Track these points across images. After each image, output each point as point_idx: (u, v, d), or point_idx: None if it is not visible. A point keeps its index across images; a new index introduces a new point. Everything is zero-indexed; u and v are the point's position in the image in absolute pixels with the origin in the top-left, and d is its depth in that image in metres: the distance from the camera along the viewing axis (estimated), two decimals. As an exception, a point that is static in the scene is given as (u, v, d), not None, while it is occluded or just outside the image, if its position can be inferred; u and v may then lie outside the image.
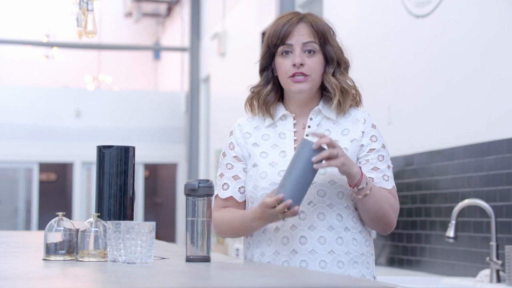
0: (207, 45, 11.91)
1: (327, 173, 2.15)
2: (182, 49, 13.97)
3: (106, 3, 16.60)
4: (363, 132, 2.23)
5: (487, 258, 3.49)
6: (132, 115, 14.03)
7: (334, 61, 2.23)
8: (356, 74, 6.00)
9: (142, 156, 13.39)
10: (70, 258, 1.98)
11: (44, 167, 15.86)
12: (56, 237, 1.98)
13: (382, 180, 2.20)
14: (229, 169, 2.27)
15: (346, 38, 6.31)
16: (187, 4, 13.64)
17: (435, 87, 4.39)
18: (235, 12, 10.17)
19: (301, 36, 2.20)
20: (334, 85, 2.21)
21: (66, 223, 2.01)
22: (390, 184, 2.22)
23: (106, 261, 1.93)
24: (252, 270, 1.71)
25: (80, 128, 13.76)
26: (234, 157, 2.27)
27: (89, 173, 13.88)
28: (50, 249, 1.98)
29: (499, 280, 3.43)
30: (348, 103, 2.23)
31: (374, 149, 2.22)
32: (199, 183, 1.94)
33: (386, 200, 2.18)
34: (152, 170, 17.59)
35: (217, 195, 2.28)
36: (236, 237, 2.29)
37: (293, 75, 2.19)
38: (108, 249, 1.88)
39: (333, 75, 2.22)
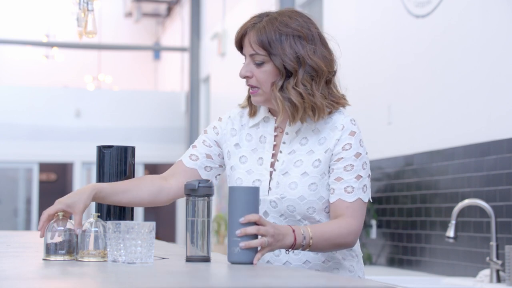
0: (207, 45, 11.91)
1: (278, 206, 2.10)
2: (182, 49, 13.98)
3: (106, 3, 16.60)
4: (338, 139, 2.11)
5: (487, 258, 3.49)
6: (132, 115, 14.03)
7: (282, 72, 2.08)
8: (356, 74, 6.04)
9: (142, 156, 13.39)
10: (70, 258, 1.96)
11: (44, 167, 15.87)
12: (56, 237, 1.97)
13: (344, 192, 2.08)
14: (207, 146, 2.25)
15: (346, 38, 6.36)
16: (187, 4, 13.64)
17: (435, 87, 4.39)
18: (235, 12, 10.17)
19: (247, 47, 2.12)
20: (278, 99, 2.08)
21: (66, 223, 1.99)
22: (353, 196, 2.08)
23: (106, 261, 1.93)
24: (252, 270, 1.71)
25: (80, 128, 13.76)
26: (215, 140, 2.25)
27: (89, 173, 13.88)
28: (50, 249, 1.97)
29: (499, 280, 3.43)
30: (300, 115, 2.08)
31: (342, 158, 2.09)
32: (199, 183, 1.94)
33: (337, 235, 2.03)
34: (152, 170, 17.59)
35: (180, 160, 2.25)
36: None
37: (250, 87, 2.16)
38: (108, 249, 1.88)
39: (287, 85, 2.08)
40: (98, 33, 3.35)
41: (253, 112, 2.22)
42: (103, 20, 14.95)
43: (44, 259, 1.96)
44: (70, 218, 2.02)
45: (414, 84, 4.65)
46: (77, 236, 1.97)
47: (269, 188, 2.13)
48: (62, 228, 1.98)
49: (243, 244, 1.84)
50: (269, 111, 2.21)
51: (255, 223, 1.88)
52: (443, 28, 4.35)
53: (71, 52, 16.49)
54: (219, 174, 2.27)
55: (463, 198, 3.85)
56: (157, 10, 17.38)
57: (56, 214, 2.00)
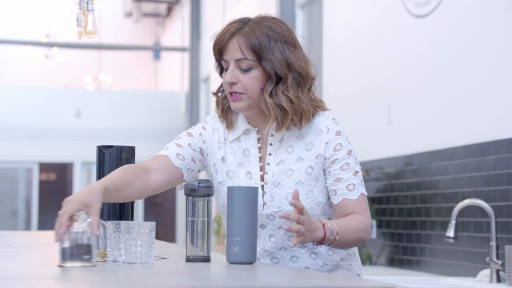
0: (207, 45, 11.91)
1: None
2: (182, 49, 13.98)
3: (106, 3, 16.61)
4: (326, 143, 2.10)
5: (487, 258, 3.49)
6: (132, 115, 14.04)
7: (272, 77, 2.06)
8: (356, 74, 6.02)
9: (142, 156, 13.38)
10: (90, 265, 1.76)
11: (44, 167, 15.87)
12: (71, 240, 1.76)
13: (347, 190, 2.09)
14: (192, 149, 2.16)
15: (346, 38, 6.34)
16: (187, 4, 13.64)
17: (435, 87, 4.39)
18: (235, 12, 10.17)
19: (234, 51, 2.06)
20: (268, 105, 2.05)
21: (83, 225, 1.79)
22: (356, 193, 2.09)
23: (106, 261, 1.92)
24: (252, 270, 1.71)
25: (80, 128, 13.77)
26: (200, 147, 2.17)
27: (89, 173, 13.88)
28: (66, 254, 1.75)
29: (499, 280, 3.43)
30: (288, 121, 2.07)
31: (336, 159, 2.09)
32: (199, 183, 1.94)
33: (356, 229, 2.06)
34: (152, 170, 17.55)
35: (167, 156, 2.14)
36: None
37: (231, 93, 2.08)
38: (108, 249, 1.88)
39: (276, 90, 2.06)
40: (98, 33, 3.35)
41: (230, 123, 2.17)
42: (103, 20, 14.95)
43: (60, 266, 1.75)
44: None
45: (414, 84, 4.65)
46: (95, 238, 1.80)
47: (264, 202, 2.11)
48: (81, 230, 1.77)
49: (286, 226, 1.87)
50: (249, 122, 2.16)
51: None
52: (443, 28, 4.35)
53: (71, 52, 16.50)
54: (193, 177, 2.22)
55: (463, 198, 3.85)
56: (157, 10, 17.39)
57: (74, 215, 1.80)
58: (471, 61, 4.04)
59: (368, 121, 5.22)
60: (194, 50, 12.60)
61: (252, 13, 2.19)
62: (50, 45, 14.80)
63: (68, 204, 1.80)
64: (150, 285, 1.40)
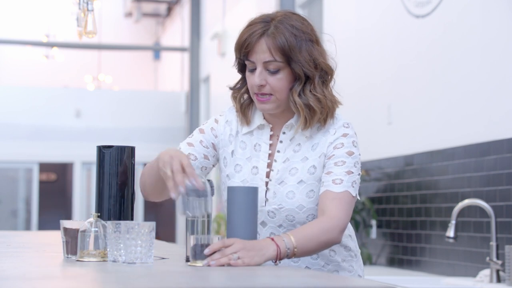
0: (207, 45, 11.91)
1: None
2: (182, 49, 13.98)
3: (106, 3, 16.60)
4: (330, 142, 2.09)
5: (487, 258, 3.49)
6: (132, 115, 14.04)
7: (301, 78, 2.05)
8: (356, 74, 6.02)
9: (142, 156, 13.39)
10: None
11: (44, 167, 15.87)
12: (197, 239, 1.78)
13: (331, 183, 2.04)
14: (204, 146, 2.17)
15: (346, 38, 6.34)
16: (187, 4, 13.64)
17: (435, 87, 4.39)
18: (235, 12, 10.18)
19: (262, 53, 2.04)
20: (298, 105, 2.06)
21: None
22: (341, 187, 2.02)
23: (106, 261, 1.92)
24: (252, 270, 1.71)
25: (80, 128, 13.77)
26: (212, 143, 2.18)
27: (89, 173, 13.88)
28: (197, 254, 1.78)
29: (499, 280, 3.43)
30: (315, 120, 2.08)
31: (333, 155, 2.07)
32: (199, 183, 1.94)
33: (318, 232, 1.95)
34: (152, 170, 17.53)
35: None
36: (155, 196, 2.14)
37: (257, 94, 2.07)
38: (108, 249, 1.88)
39: (303, 90, 2.06)
40: (98, 33, 3.35)
41: (248, 121, 2.17)
42: (103, 20, 14.95)
43: (191, 265, 1.80)
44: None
45: (414, 84, 4.65)
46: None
47: (266, 198, 2.11)
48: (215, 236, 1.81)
49: (213, 262, 1.77)
50: (264, 118, 2.16)
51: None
52: (443, 28, 4.35)
53: (71, 52, 16.50)
54: (208, 173, 2.24)
55: (463, 198, 3.85)
56: (157, 10, 17.39)
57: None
58: (471, 61, 4.04)
59: (368, 121, 5.22)
60: (194, 50, 12.60)
61: (253, 12, 2.18)
62: (50, 45, 14.80)
63: (176, 159, 1.88)
64: (150, 285, 1.40)
